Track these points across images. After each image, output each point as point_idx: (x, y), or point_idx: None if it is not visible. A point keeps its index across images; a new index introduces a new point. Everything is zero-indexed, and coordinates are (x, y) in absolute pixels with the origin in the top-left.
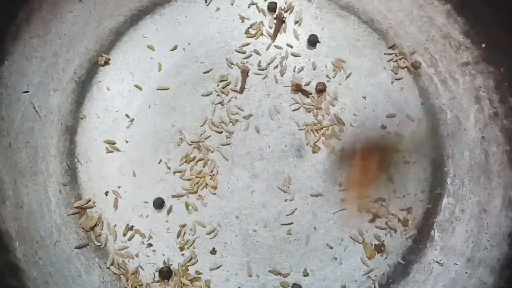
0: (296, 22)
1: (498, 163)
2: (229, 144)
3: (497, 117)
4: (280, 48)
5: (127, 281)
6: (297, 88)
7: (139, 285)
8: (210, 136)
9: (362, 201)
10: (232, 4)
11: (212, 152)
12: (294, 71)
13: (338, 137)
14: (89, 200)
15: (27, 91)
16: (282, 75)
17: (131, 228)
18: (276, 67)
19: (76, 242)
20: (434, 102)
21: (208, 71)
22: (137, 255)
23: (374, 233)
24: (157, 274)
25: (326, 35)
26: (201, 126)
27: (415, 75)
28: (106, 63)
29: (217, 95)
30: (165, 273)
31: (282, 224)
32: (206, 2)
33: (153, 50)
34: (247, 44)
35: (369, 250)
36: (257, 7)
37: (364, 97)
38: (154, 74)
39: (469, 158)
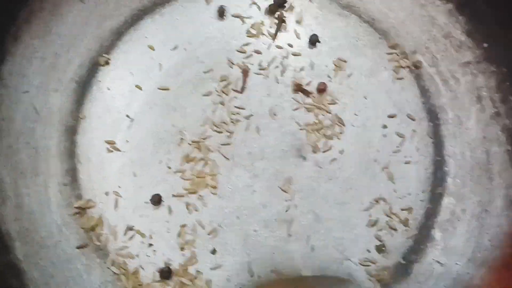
0: (297, 22)
1: (500, 163)
2: (229, 144)
3: (499, 116)
4: (280, 48)
5: (127, 281)
6: (298, 88)
7: (139, 285)
8: (210, 136)
9: None
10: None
11: (213, 152)
12: (295, 70)
13: (339, 137)
14: (90, 200)
15: (28, 92)
16: (282, 75)
17: (132, 228)
18: (277, 67)
19: (76, 242)
20: (435, 102)
21: (209, 71)
22: (137, 255)
23: (375, 233)
24: (157, 274)
25: (327, 34)
26: (201, 126)
27: (416, 74)
28: (107, 63)
29: (218, 95)
30: (166, 273)
31: (282, 224)
32: (206, 2)
33: (154, 50)
34: (248, 44)
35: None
36: (258, 6)
37: (365, 97)
38: (154, 74)
39: (470, 158)
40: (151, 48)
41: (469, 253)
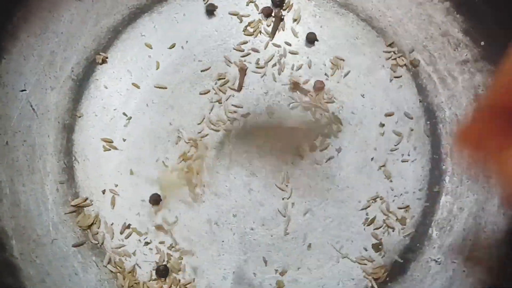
0: (295, 20)
1: None
2: (226, 143)
3: None
4: (278, 46)
5: (124, 279)
6: (295, 86)
7: (136, 283)
8: (207, 134)
9: None
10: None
11: (210, 150)
12: (292, 69)
13: (336, 136)
14: (86, 199)
15: (25, 90)
16: (280, 73)
17: (128, 226)
18: (275, 65)
19: (73, 240)
20: (433, 100)
21: (206, 69)
22: (134, 253)
23: (371, 231)
24: (154, 272)
25: (324, 33)
26: (198, 124)
27: (414, 73)
28: (104, 61)
29: (215, 93)
30: (162, 271)
31: (279, 223)
32: (204, 0)
33: (151, 48)
34: (245, 42)
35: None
36: (255, 5)
37: (362, 95)
38: (152, 72)
39: (468, 156)
40: (149, 46)
41: (466, 251)
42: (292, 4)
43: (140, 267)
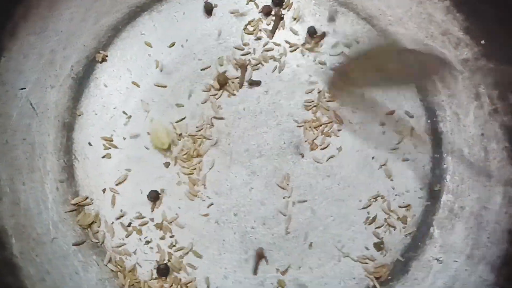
0: (294, 19)
1: (498, 160)
2: (227, 141)
3: (497, 113)
4: (278, 45)
5: (124, 278)
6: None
7: (136, 282)
8: (208, 133)
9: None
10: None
11: (210, 149)
12: (292, 67)
13: (337, 134)
14: (86, 197)
15: (24, 88)
16: (280, 72)
17: (129, 225)
18: (275, 63)
19: (73, 239)
20: (433, 99)
21: (206, 68)
22: (134, 252)
23: (373, 230)
24: (154, 271)
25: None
26: (199, 123)
27: None
28: (104, 60)
29: (215, 92)
30: (163, 270)
31: (280, 221)
32: None
33: (151, 47)
34: (245, 41)
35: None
36: (255, 4)
37: (363, 94)
38: (151, 71)
39: (469, 155)
40: (148, 45)
41: (468, 250)
42: (292, 2)
43: (140, 266)
